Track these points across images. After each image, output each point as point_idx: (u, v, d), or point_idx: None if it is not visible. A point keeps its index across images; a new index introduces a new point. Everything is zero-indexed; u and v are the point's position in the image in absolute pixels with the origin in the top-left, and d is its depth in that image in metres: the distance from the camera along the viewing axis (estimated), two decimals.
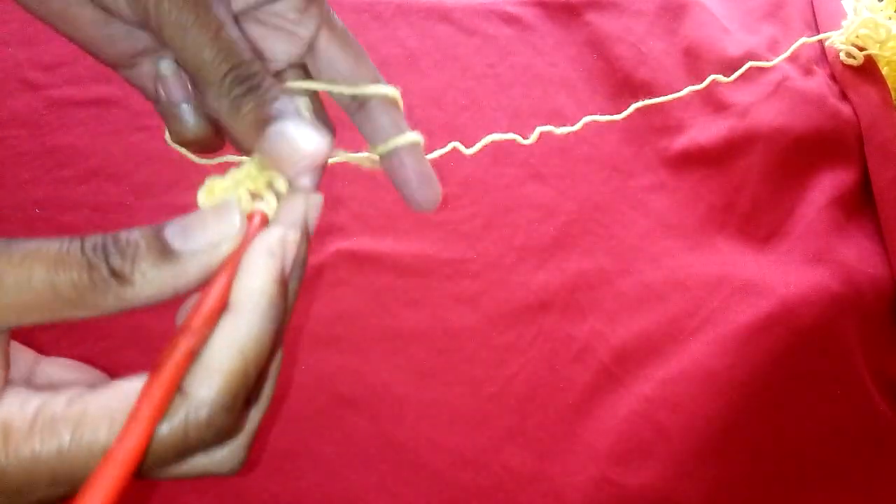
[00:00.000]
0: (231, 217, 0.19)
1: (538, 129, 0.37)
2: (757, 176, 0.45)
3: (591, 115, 0.46)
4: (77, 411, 0.17)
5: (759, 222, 0.44)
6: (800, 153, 0.46)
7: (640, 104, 0.37)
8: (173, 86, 0.23)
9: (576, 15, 0.51)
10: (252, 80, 0.21)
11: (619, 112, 0.47)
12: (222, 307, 0.18)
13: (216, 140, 0.25)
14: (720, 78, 0.46)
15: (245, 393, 0.18)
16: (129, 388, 0.18)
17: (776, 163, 0.46)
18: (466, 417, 0.38)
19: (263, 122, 0.21)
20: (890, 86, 0.49)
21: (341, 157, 0.26)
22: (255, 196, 0.21)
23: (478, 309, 0.40)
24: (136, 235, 0.18)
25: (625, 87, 0.48)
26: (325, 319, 0.39)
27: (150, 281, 0.18)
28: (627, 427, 0.37)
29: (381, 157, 0.26)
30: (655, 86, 0.48)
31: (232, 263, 0.19)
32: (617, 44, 0.49)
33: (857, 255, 0.43)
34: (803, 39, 0.48)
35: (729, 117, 0.47)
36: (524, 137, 0.41)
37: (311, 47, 0.25)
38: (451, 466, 0.36)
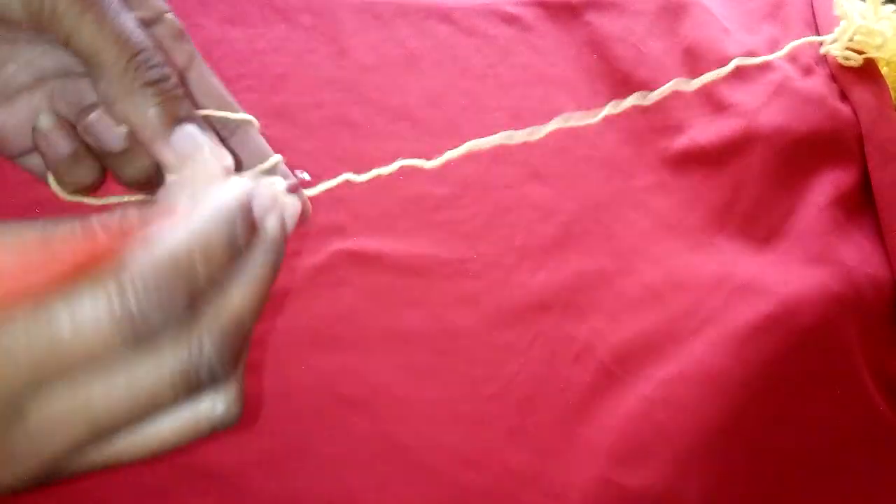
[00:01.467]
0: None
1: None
2: (757, 176, 0.45)
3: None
4: None
5: (759, 222, 0.44)
6: (800, 153, 0.46)
7: (613, 110, 0.37)
8: (59, 137, 0.22)
9: (576, 15, 0.51)
10: (156, 68, 0.20)
11: (618, 113, 0.47)
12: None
13: (103, 181, 0.25)
14: (712, 75, 0.46)
15: (192, 291, 0.16)
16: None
17: (776, 163, 0.46)
18: (466, 417, 0.38)
19: (172, 118, 0.20)
20: (890, 86, 0.49)
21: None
22: None
23: (478, 309, 0.40)
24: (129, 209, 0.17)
25: (625, 87, 0.48)
26: (325, 319, 0.39)
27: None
28: (628, 427, 0.37)
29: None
30: (655, 86, 0.47)
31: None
32: (617, 44, 0.49)
33: (857, 255, 0.43)
34: (794, 42, 0.48)
35: (729, 117, 0.47)
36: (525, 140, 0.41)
37: (182, 77, 0.24)
38: (451, 466, 0.36)
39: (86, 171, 0.23)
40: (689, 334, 0.40)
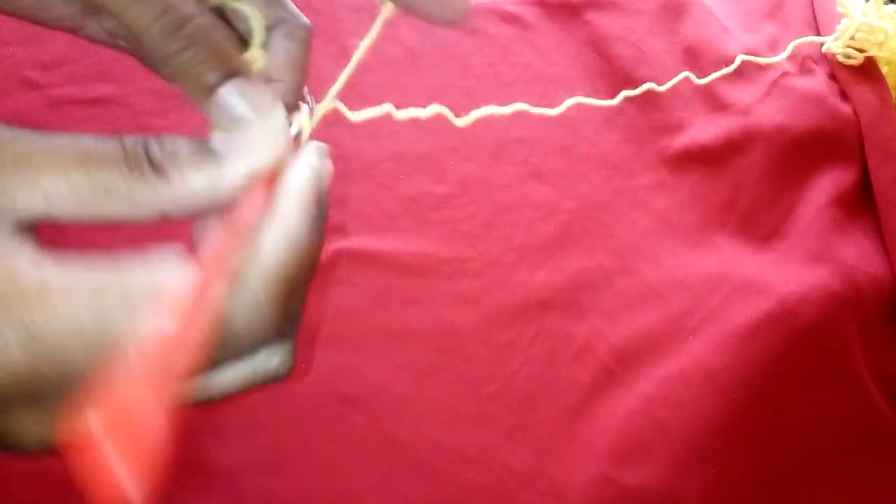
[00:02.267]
0: (278, 129, 0.19)
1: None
2: (757, 175, 0.45)
3: (591, 114, 0.46)
4: (27, 289, 0.16)
5: (759, 221, 0.44)
6: (800, 152, 0.46)
7: (629, 93, 0.37)
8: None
9: (576, 14, 0.51)
10: (188, 26, 0.19)
11: (619, 111, 0.47)
12: (266, 209, 0.18)
13: None
14: (719, 73, 0.46)
15: (292, 291, 0.18)
16: (88, 281, 0.17)
17: (776, 162, 0.46)
18: (466, 416, 0.38)
19: (205, 89, 0.20)
20: (890, 85, 0.48)
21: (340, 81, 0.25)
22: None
23: (478, 308, 0.40)
24: (177, 138, 0.17)
25: (625, 86, 0.48)
26: (325, 318, 0.39)
27: (189, 181, 0.17)
28: (628, 426, 0.37)
29: None
30: (656, 85, 0.48)
31: (272, 177, 0.18)
32: (617, 43, 0.49)
33: (857, 254, 0.43)
34: (796, 41, 0.48)
35: (729, 116, 0.47)
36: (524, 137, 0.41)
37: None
38: (451, 465, 0.36)
39: None
40: (689, 333, 0.40)
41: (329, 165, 0.20)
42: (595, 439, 0.37)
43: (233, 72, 0.20)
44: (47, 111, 0.43)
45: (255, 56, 0.22)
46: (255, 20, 0.22)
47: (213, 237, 0.17)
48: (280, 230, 0.18)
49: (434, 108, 0.27)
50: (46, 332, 0.16)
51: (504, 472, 0.36)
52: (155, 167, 0.17)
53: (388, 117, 0.26)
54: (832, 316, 0.40)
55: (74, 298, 0.16)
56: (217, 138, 0.18)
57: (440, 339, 0.39)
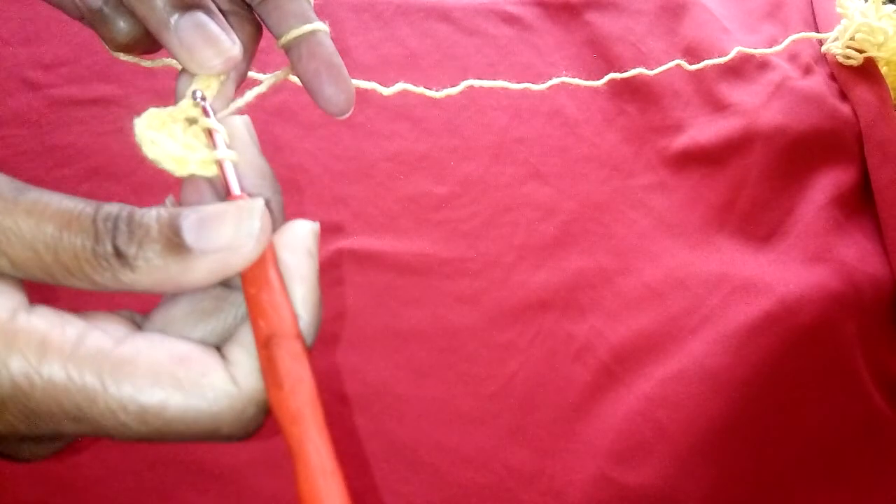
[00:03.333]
0: (252, 221, 0.18)
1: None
2: (756, 175, 0.45)
3: (591, 114, 0.46)
4: (126, 356, 0.16)
5: (758, 221, 0.44)
6: (799, 152, 0.46)
7: (617, 75, 0.36)
8: None
9: (576, 15, 0.51)
10: None
11: (619, 111, 0.47)
12: (280, 292, 0.19)
13: (153, 39, 0.23)
14: (713, 62, 0.46)
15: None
16: (179, 350, 0.17)
17: (776, 162, 0.46)
18: (466, 416, 0.38)
19: (174, 6, 0.20)
20: (889, 85, 0.49)
21: (258, 78, 0.25)
22: (191, 123, 0.20)
23: (478, 308, 0.40)
24: (149, 219, 0.17)
25: (624, 86, 0.48)
26: (325, 318, 0.39)
27: (153, 270, 0.17)
28: (627, 426, 0.37)
29: (288, 50, 0.24)
30: (655, 85, 0.48)
31: (261, 261, 0.18)
32: (617, 43, 0.49)
33: (856, 254, 0.43)
34: (793, 36, 0.47)
35: (728, 117, 0.47)
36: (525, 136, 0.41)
37: None
38: (451, 465, 0.36)
39: (126, 26, 0.22)
40: (689, 333, 0.40)
41: (315, 230, 0.21)
42: (595, 439, 0.37)
43: (195, 4, 0.20)
44: (47, 111, 0.43)
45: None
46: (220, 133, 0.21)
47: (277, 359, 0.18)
48: (303, 295, 0.19)
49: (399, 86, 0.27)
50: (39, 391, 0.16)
51: (504, 471, 0.36)
52: (119, 254, 0.16)
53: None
54: (831, 316, 0.40)
55: (73, 359, 0.16)
56: (188, 222, 0.17)
57: (440, 339, 0.39)
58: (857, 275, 0.42)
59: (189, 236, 0.17)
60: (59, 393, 0.16)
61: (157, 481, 0.34)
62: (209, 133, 0.20)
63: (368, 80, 0.34)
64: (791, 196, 0.45)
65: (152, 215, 0.17)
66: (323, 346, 0.38)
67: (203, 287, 0.18)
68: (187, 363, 0.17)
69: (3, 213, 0.16)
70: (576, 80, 0.32)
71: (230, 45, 0.20)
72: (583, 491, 0.36)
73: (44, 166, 0.41)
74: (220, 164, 0.20)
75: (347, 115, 0.24)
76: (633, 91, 0.48)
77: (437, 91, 0.30)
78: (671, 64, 0.41)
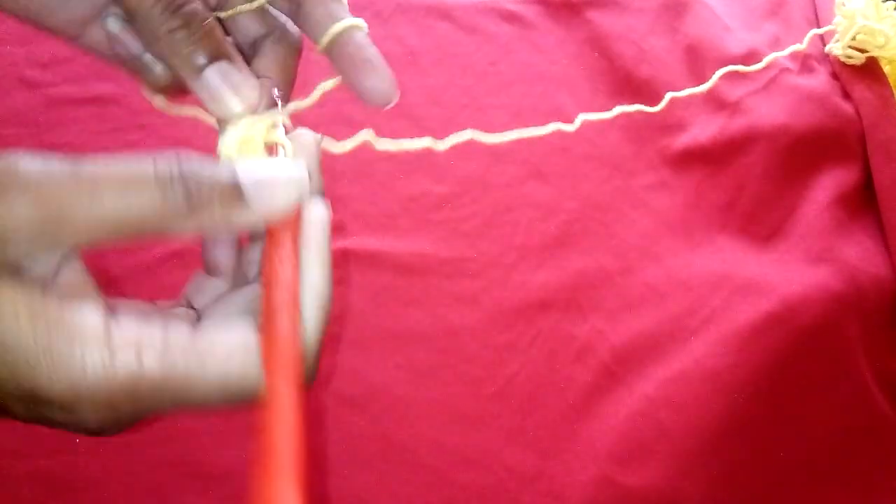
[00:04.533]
0: (303, 183, 0.21)
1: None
2: (758, 175, 0.45)
3: (592, 113, 0.46)
4: (204, 347, 0.19)
5: (760, 221, 0.44)
6: (801, 152, 0.46)
7: (626, 108, 0.37)
8: (126, 39, 0.23)
9: (576, 13, 0.50)
10: (183, 8, 0.21)
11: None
12: (297, 262, 0.21)
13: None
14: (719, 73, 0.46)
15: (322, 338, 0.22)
16: (245, 337, 0.20)
17: (778, 161, 0.45)
18: (467, 417, 0.37)
19: (194, 69, 0.21)
20: (892, 84, 0.48)
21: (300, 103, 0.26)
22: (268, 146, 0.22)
23: (478, 308, 0.40)
24: (212, 173, 0.19)
25: (626, 85, 0.48)
26: None
27: (218, 215, 0.19)
28: (628, 426, 0.37)
29: (327, 52, 0.25)
30: (657, 84, 0.47)
31: (294, 222, 0.21)
32: (618, 42, 0.49)
33: (859, 254, 0.43)
34: (793, 47, 0.47)
35: (730, 116, 0.47)
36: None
37: None
38: (451, 466, 0.36)
39: (162, 73, 0.24)
40: (691, 333, 0.40)
41: (329, 216, 0.23)
42: (596, 440, 0.37)
43: (220, 55, 0.22)
44: (45, 110, 0.43)
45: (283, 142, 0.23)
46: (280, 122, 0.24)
47: (271, 309, 0.20)
48: (316, 294, 0.21)
49: (419, 142, 0.27)
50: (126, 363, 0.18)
51: (504, 472, 0.36)
52: (191, 204, 0.19)
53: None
54: (834, 316, 0.40)
55: (165, 358, 0.19)
56: (245, 174, 0.19)
57: (440, 339, 0.39)
58: (860, 275, 0.42)
59: (246, 181, 0.19)
60: (163, 385, 0.18)
61: (157, 482, 0.34)
62: (276, 146, 0.23)
63: None
64: (793, 196, 0.45)
65: (212, 171, 0.19)
66: (323, 346, 0.38)
67: (252, 227, 0.21)
68: (252, 347, 0.20)
69: (69, 190, 0.18)
70: (597, 115, 0.32)
71: (250, 91, 0.22)
72: (583, 492, 0.36)
73: None
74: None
75: (391, 105, 0.25)
76: (633, 90, 0.47)
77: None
78: (698, 89, 0.41)
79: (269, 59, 0.25)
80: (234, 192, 0.19)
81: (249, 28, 0.25)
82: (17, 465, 0.34)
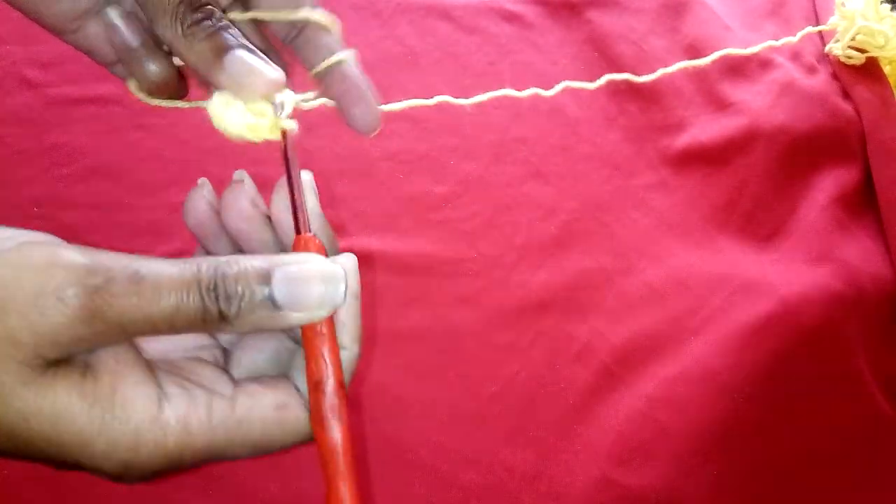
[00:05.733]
0: (337, 286, 0.22)
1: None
2: (758, 175, 0.45)
3: (593, 113, 0.46)
4: (242, 414, 0.21)
5: (760, 221, 0.44)
6: (801, 152, 0.46)
7: (614, 76, 0.36)
8: (127, 30, 0.24)
9: (577, 13, 0.50)
10: (204, 7, 0.22)
11: (621, 110, 0.47)
12: (336, 349, 0.23)
13: (181, 84, 0.26)
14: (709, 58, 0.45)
15: None
16: (279, 399, 0.22)
17: (778, 162, 0.45)
18: (467, 417, 0.37)
19: (221, 50, 0.22)
20: (892, 84, 0.48)
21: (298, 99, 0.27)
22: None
23: (478, 308, 0.40)
24: (248, 285, 0.20)
25: (626, 85, 0.48)
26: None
27: (251, 323, 0.20)
28: (628, 427, 0.37)
29: (320, 79, 0.26)
30: (657, 84, 0.47)
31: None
32: (618, 42, 0.49)
33: (859, 254, 0.43)
34: (785, 39, 0.47)
35: (730, 116, 0.47)
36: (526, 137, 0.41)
37: None
38: (451, 466, 0.36)
39: (158, 67, 0.25)
40: (691, 334, 0.40)
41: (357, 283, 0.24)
42: (596, 440, 0.37)
43: (240, 44, 0.23)
44: (45, 110, 0.42)
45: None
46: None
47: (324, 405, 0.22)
48: (349, 359, 0.24)
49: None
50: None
51: (505, 472, 0.36)
52: (224, 319, 0.20)
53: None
54: (834, 316, 0.40)
55: (212, 434, 0.20)
56: (280, 287, 0.20)
57: (440, 340, 0.39)
58: (860, 275, 0.42)
59: (283, 300, 0.20)
60: (205, 453, 0.20)
61: (157, 482, 0.34)
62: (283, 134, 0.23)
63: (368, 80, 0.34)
64: (793, 196, 0.45)
65: (249, 282, 0.20)
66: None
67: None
68: (285, 410, 0.22)
69: (128, 299, 0.19)
70: (577, 84, 0.32)
71: (272, 71, 0.23)
72: (583, 492, 0.36)
73: (42, 165, 0.41)
74: (283, 134, 0.23)
75: (375, 134, 0.26)
76: (634, 90, 0.47)
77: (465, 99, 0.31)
78: (675, 67, 0.41)
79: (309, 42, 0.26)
80: (269, 304, 0.20)
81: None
82: (18, 465, 0.34)
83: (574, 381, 0.39)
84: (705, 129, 0.46)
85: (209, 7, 0.22)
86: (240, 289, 0.20)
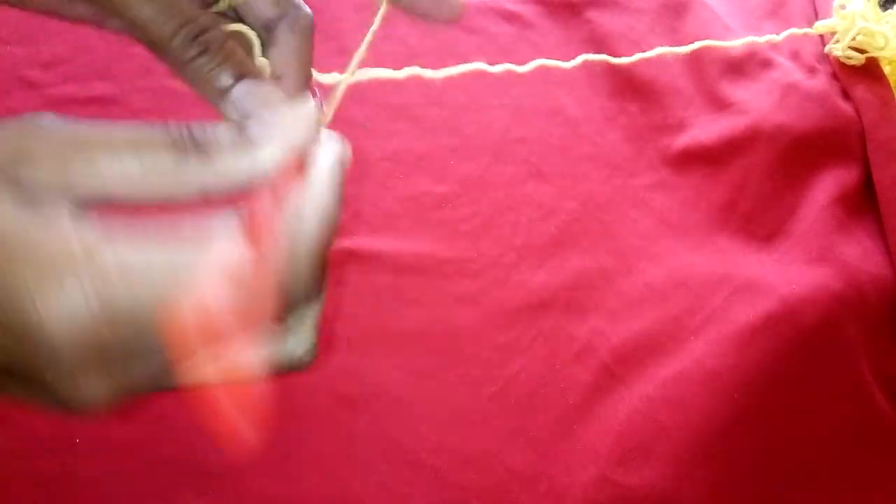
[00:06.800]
0: (307, 114, 0.21)
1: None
2: (759, 175, 0.45)
3: (592, 113, 0.46)
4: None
5: (760, 221, 0.44)
6: (802, 152, 0.46)
7: (590, 57, 0.36)
8: None
9: (577, 13, 0.50)
10: (203, 36, 0.22)
11: (621, 110, 0.47)
12: (300, 184, 0.20)
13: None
14: (700, 44, 0.45)
15: (325, 254, 0.20)
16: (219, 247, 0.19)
17: (778, 161, 0.45)
18: (467, 417, 0.37)
19: (229, 79, 0.22)
20: (892, 85, 0.48)
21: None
22: None
23: (478, 308, 0.40)
24: (218, 124, 0.19)
25: (626, 85, 0.48)
26: (324, 318, 0.39)
27: (230, 162, 0.19)
28: (628, 427, 0.37)
29: None
30: (656, 84, 0.47)
31: (303, 158, 0.20)
32: (618, 42, 0.49)
33: (859, 254, 0.43)
34: (790, 30, 0.47)
35: (730, 115, 0.47)
36: (526, 137, 0.41)
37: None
38: (451, 466, 0.36)
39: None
40: (691, 334, 0.40)
41: (348, 151, 0.22)
42: (596, 440, 0.37)
43: (244, 73, 0.22)
44: (45, 110, 0.42)
45: (262, 66, 0.25)
46: (254, 39, 0.25)
47: (260, 210, 0.19)
48: (317, 206, 0.20)
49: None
50: (115, 296, 0.17)
51: (505, 473, 0.36)
52: (199, 148, 0.19)
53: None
54: (834, 316, 0.40)
55: (136, 275, 0.17)
56: (252, 123, 0.19)
57: (440, 340, 0.39)
58: (860, 275, 0.42)
59: (252, 128, 0.19)
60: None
61: (156, 482, 0.34)
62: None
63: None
64: (793, 196, 0.45)
65: (217, 124, 0.19)
66: (323, 346, 0.38)
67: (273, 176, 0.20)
68: None
69: (87, 138, 0.18)
70: (553, 62, 0.32)
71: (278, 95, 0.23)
72: (583, 492, 0.36)
73: None
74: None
75: (457, 20, 0.26)
76: (634, 90, 0.47)
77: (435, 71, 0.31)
78: (656, 51, 0.41)
79: (283, 49, 0.26)
80: (241, 135, 0.19)
81: (262, 11, 0.25)
82: (17, 465, 0.34)
83: (574, 380, 0.39)
84: (705, 129, 0.46)
85: (214, 35, 0.22)
86: (213, 126, 0.19)
